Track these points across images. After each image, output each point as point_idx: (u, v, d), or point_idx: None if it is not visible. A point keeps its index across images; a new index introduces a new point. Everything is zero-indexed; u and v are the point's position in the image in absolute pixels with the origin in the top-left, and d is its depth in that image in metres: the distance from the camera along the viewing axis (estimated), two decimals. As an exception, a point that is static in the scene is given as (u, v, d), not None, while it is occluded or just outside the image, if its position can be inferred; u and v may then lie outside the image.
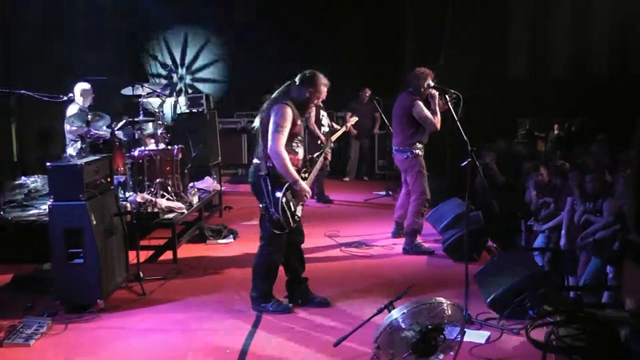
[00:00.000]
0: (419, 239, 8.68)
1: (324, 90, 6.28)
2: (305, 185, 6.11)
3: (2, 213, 8.25)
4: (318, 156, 6.65)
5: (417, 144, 8.44)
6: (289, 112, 6.01)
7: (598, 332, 3.99)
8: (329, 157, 6.66)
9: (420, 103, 8.27)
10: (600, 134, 11.48)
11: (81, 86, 9.62)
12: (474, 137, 6.27)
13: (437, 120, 8.14)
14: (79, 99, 9.50)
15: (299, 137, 6.21)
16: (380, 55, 15.05)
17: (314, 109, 9.46)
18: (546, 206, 8.39)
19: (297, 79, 6.23)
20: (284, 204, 5.98)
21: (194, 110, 11.49)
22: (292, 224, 6.17)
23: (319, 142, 11.26)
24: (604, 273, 7.05)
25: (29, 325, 5.89)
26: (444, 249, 8.31)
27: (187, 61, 16.73)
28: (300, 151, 6.22)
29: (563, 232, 7.61)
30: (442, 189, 10.41)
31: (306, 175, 6.29)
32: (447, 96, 6.20)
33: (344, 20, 15.59)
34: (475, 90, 9.09)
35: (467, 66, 12.58)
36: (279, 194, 5.96)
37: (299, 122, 6.12)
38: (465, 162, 6.17)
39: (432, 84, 8.21)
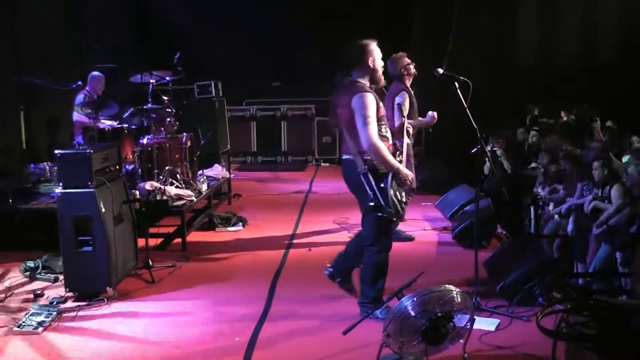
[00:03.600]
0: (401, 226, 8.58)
1: (377, 51, 5.89)
2: (407, 170, 5.71)
3: (11, 201, 8.26)
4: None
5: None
6: (370, 98, 5.62)
7: (609, 319, 3.97)
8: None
9: (405, 96, 8.11)
10: (609, 120, 11.41)
11: (95, 75, 9.72)
12: (483, 125, 6.21)
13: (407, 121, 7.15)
14: (91, 88, 9.58)
15: (384, 121, 5.81)
16: (388, 45, 14.98)
17: None
18: (555, 192, 8.37)
19: (351, 61, 5.89)
20: (392, 196, 5.59)
21: (203, 97, 11.52)
22: (401, 213, 5.89)
23: None
24: (614, 259, 7.02)
25: (39, 312, 5.91)
26: (453, 236, 8.30)
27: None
28: (389, 135, 5.86)
29: (571, 218, 7.58)
30: (452, 176, 10.39)
31: (400, 159, 5.86)
32: (456, 83, 6.15)
33: (352, 11, 15.52)
34: (484, 78, 9.03)
35: (475, 53, 12.54)
36: (385, 186, 5.57)
37: (381, 104, 5.75)
38: (475, 149, 6.14)
39: (409, 60, 8.19)
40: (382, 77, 5.91)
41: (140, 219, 7.27)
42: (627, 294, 6.38)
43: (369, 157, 5.60)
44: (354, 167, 5.68)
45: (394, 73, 8.20)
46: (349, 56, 5.92)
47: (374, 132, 5.55)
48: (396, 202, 5.61)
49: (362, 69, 5.81)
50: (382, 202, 5.56)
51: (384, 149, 5.56)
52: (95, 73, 9.99)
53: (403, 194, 5.81)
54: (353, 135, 5.66)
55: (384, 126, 5.78)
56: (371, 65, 5.78)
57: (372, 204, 5.63)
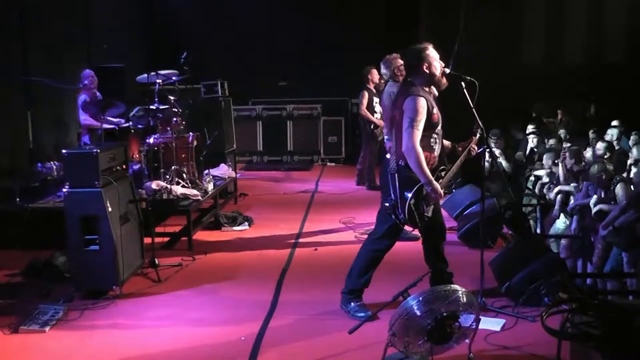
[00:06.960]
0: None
1: (434, 55, 5.75)
2: (438, 186, 5.58)
3: (18, 200, 8.29)
4: (461, 152, 6.08)
5: None
6: (423, 104, 5.54)
7: (613, 319, 3.97)
8: (474, 152, 6.17)
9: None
10: (615, 119, 11.40)
11: (89, 73, 9.69)
12: (487, 124, 6.20)
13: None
14: (90, 86, 9.56)
15: (438, 130, 5.76)
16: (394, 44, 14.97)
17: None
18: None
19: (408, 67, 5.88)
20: (411, 205, 5.56)
21: (209, 97, 11.53)
22: (418, 225, 5.75)
23: (371, 126, 11.53)
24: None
25: (45, 311, 5.93)
26: (459, 236, 8.28)
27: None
28: (437, 147, 5.78)
29: (575, 216, 7.57)
30: (455, 177, 10.38)
31: (443, 174, 5.80)
32: (462, 83, 6.13)
33: (357, 9, 15.54)
34: (490, 77, 9.04)
35: (482, 52, 12.54)
36: (408, 195, 5.54)
37: (435, 110, 5.68)
38: (481, 149, 6.14)
39: (402, 62, 8.04)
40: (444, 80, 5.80)
41: (146, 218, 7.29)
42: (634, 295, 6.39)
43: (403, 163, 5.59)
44: (387, 165, 5.75)
45: (388, 74, 8.33)
46: (407, 62, 5.93)
47: (417, 137, 5.51)
48: (414, 212, 5.58)
49: (418, 75, 5.74)
50: (399, 208, 5.59)
51: (421, 156, 5.51)
52: (89, 71, 9.91)
53: (430, 208, 5.72)
54: (397, 137, 5.66)
55: (435, 136, 5.75)
56: (427, 71, 5.70)
57: (387, 204, 5.69)
